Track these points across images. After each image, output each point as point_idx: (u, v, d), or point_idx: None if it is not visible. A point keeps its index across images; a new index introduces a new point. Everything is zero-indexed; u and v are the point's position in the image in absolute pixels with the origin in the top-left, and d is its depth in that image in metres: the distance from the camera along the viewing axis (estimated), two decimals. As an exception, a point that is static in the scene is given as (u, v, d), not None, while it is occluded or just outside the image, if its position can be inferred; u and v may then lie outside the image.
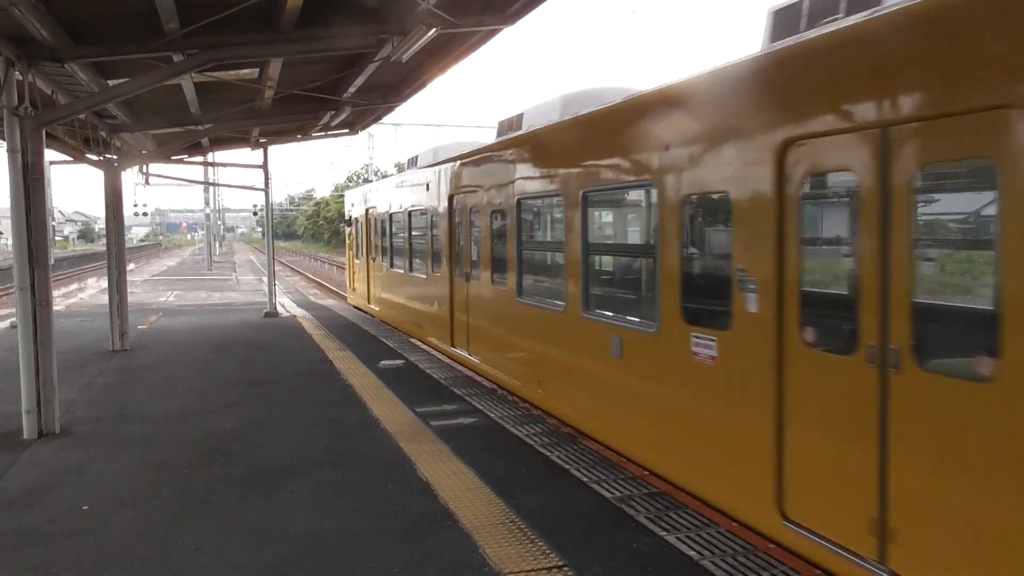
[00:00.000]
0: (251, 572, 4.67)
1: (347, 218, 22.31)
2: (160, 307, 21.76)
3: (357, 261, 20.53)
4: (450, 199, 11.72)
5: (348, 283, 22.72)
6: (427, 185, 13.10)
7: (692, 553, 4.84)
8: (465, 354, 11.28)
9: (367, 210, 18.84)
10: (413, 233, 14.57)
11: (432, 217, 12.89)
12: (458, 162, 11.49)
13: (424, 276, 13.58)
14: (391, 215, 16.28)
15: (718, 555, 4.80)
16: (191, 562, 4.83)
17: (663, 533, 5.16)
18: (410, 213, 14.52)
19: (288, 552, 4.93)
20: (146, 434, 7.85)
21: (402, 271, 15.24)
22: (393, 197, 16.12)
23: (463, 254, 11.37)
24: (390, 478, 6.34)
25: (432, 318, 13.04)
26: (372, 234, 18.40)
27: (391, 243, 16.44)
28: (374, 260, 18.15)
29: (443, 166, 12.26)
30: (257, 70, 10.42)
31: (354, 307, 20.78)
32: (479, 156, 10.66)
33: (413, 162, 15.93)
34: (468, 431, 7.83)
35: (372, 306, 18.46)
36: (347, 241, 22.58)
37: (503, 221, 9.64)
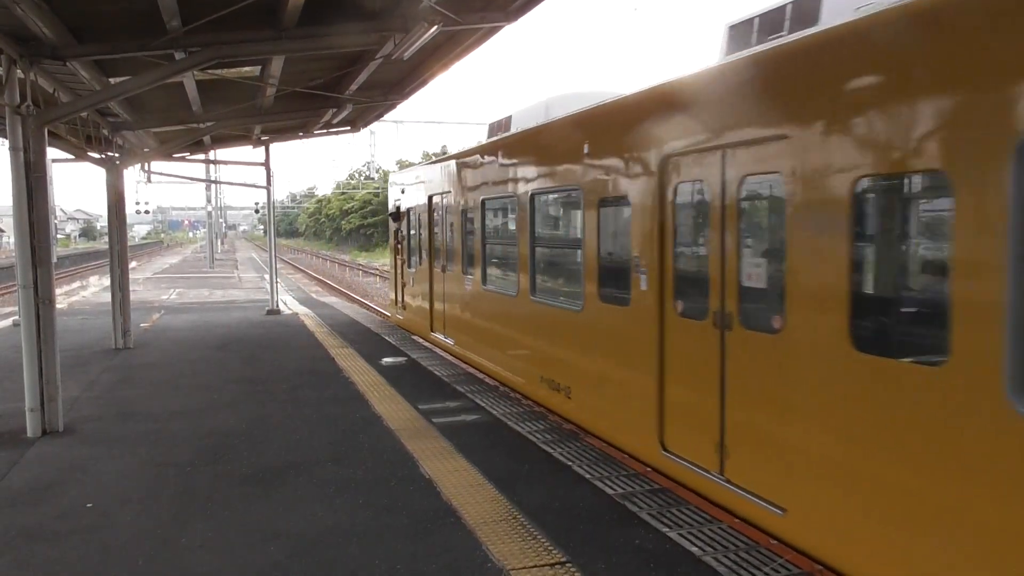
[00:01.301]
0: (255, 569, 4.68)
1: (393, 210, 16.51)
2: (162, 305, 21.80)
3: (411, 270, 14.93)
4: (663, 166, 6.25)
5: (394, 297, 16.84)
6: (584, 149, 7.62)
7: (695, 549, 4.85)
8: (717, 480, 5.62)
9: (431, 198, 13.35)
10: (538, 233, 9.11)
11: (601, 206, 7.42)
12: (684, 99, 6.17)
13: (574, 307, 8.02)
14: (484, 204, 10.67)
15: (720, 551, 4.81)
16: (196, 559, 4.84)
17: (665, 530, 5.17)
18: (532, 199, 9.00)
19: (292, 549, 4.94)
20: (149, 432, 7.87)
21: (512, 294, 9.65)
22: (487, 175, 10.51)
23: (722, 275, 5.59)
24: (393, 475, 6.36)
25: (597, 382, 7.55)
26: (443, 233, 12.61)
27: (484, 247, 10.75)
28: (446, 271, 12.50)
29: (631, 113, 6.91)
30: (259, 68, 10.42)
31: (403, 330, 15.41)
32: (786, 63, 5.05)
33: (500, 127, 10.97)
34: (471, 428, 7.84)
35: (442, 336, 12.74)
36: (392, 242, 16.82)
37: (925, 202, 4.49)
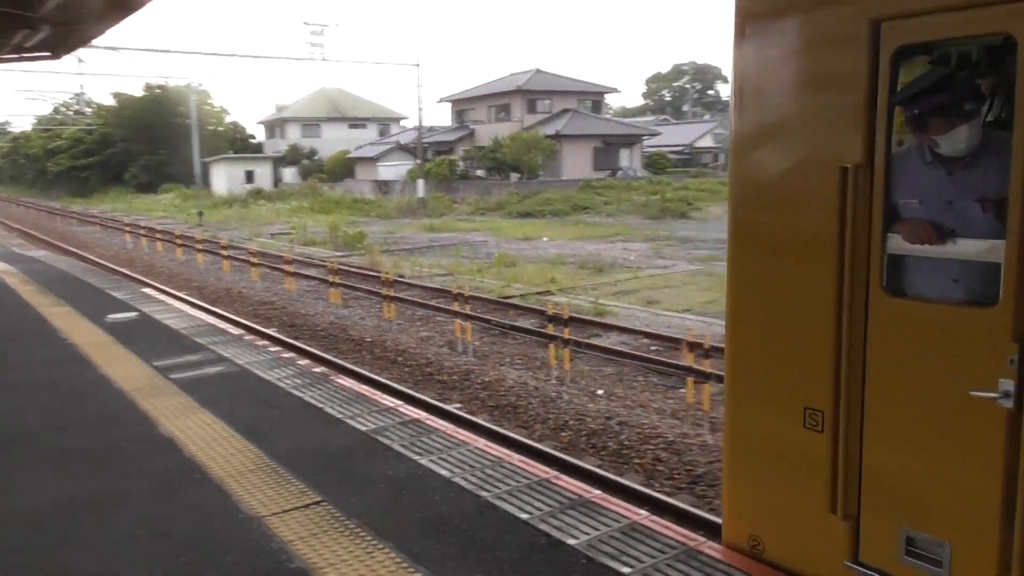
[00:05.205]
0: (-37, 556, 4.17)
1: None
2: None
3: None
4: None
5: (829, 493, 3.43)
6: None
7: (444, 472, 5.17)
8: None
9: None
10: None
11: None
12: None
13: None
14: None
15: (467, 471, 5.18)
16: None
17: (416, 457, 5.43)
18: None
19: (15, 526, 4.46)
20: None
21: None
22: None
23: None
24: (126, 437, 5.93)
25: None
26: None
27: None
28: None
29: None
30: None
31: None
32: None
33: None
34: (214, 380, 7.50)
35: None
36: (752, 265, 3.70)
37: None
